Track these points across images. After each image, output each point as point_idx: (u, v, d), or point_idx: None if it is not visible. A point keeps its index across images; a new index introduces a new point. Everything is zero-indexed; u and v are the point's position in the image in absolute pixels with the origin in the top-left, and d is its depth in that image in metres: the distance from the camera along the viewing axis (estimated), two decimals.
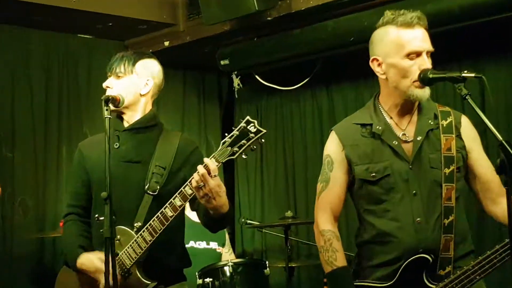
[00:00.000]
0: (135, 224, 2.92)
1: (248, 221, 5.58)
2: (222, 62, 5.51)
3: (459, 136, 2.76)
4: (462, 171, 2.76)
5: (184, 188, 2.81)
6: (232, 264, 4.72)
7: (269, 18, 4.89)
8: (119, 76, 3.06)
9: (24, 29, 5.33)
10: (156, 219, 2.84)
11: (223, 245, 5.28)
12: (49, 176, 5.45)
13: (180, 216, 2.96)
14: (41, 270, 5.34)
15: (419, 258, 2.66)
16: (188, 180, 2.79)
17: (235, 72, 5.64)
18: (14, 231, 5.21)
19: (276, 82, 5.73)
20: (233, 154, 2.72)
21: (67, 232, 3.17)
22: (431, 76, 2.62)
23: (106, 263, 2.56)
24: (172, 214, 2.82)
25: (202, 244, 5.11)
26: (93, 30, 5.57)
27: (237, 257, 5.55)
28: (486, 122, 2.39)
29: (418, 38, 2.67)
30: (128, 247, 2.90)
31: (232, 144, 2.72)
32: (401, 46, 2.67)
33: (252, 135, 2.71)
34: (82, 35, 5.70)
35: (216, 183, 2.72)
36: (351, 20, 4.77)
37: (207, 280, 4.60)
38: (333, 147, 2.85)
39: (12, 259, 5.20)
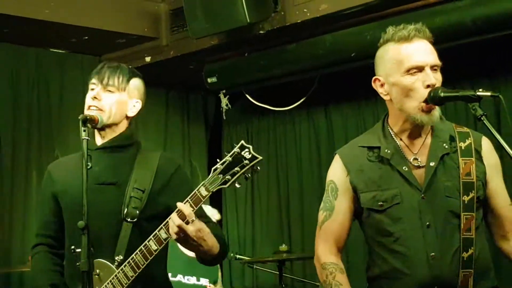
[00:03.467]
0: (116, 258, 2.85)
1: (238, 256, 5.53)
2: (209, 80, 5.52)
3: (479, 159, 2.72)
4: (482, 199, 2.71)
5: (158, 231, 2.75)
6: None
7: (261, 32, 4.88)
8: (109, 90, 2.97)
9: None
10: (139, 252, 2.78)
11: (214, 282, 5.18)
12: (16, 205, 5.40)
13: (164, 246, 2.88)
14: None
15: None
16: (163, 224, 2.73)
17: (223, 91, 5.65)
18: None
19: (269, 102, 5.74)
20: (225, 182, 2.65)
21: (36, 267, 3.08)
22: (442, 95, 2.57)
23: None
24: (156, 248, 2.75)
25: (191, 280, 5.03)
26: (66, 44, 5.57)
27: None
28: (503, 145, 2.38)
29: (417, 51, 2.64)
30: (108, 283, 2.83)
31: (224, 172, 2.65)
32: (400, 62, 2.65)
33: (246, 161, 2.63)
34: (54, 50, 5.69)
35: (195, 229, 2.66)
36: (352, 34, 4.78)
37: None
38: (337, 172, 2.81)
39: None
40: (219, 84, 5.52)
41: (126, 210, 2.90)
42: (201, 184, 2.68)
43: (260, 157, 2.66)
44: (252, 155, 2.64)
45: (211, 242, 2.76)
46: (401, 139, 2.75)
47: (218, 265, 5.15)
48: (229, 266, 6.26)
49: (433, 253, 2.63)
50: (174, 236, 2.66)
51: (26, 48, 5.50)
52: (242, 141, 2.69)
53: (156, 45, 5.50)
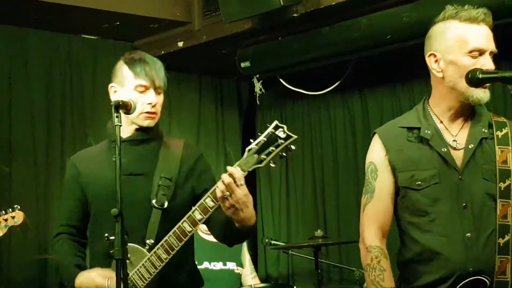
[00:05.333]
0: (148, 242, 2.92)
1: (273, 242, 5.54)
2: (242, 65, 5.49)
3: None
4: None
5: (204, 200, 2.80)
6: None
7: (295, 15, 4.84)
8: (159, 92, 3.06)
9: (22, 29, 5.33)
10: (172, 235, 2.84)
11: (241, 265, 5.23)
12: (52, 192, 5.43)
13: None
14: None
15: (475, 280, 2.64)
16: (209, 191, 2.79)
17: (257, 76, 5.61)
18: (12, 254, 5.20)
19: (303, 86, 5.71)
20: (260, 162, 2.73)
21: (60, 252, 3.14)
22: (480, 76, 2.60)
23: (118, 286, 2.54)
24: (191, 229, 2.83)
25: (217, 265, 5.06)
26: (98, 30, 5.57)
27: (260, 282, 5.49)
28: None
29: (484, 35, 2.69)
30: (141, 267, 2.89)
31: (259, 151, 2.73)
32: (464, 42, 2.68)
33: (281, 141, 2.72)
34: (87, 36, 5.70)
35: (244, 193, 2.73)
36: (387, 16, 4.72)
37: None
38: (376, 152, 2.87)
39: (10, 283, 5.18)
40: (252, 69, 5.50)
41: (155, 198, 2.98)
42: (236, 164, 2.75)
43: (295, 136, 2.74)
44: (287, 134, 2.73)
45: (252, 212, 2.81)
46: (441, 122, 2.79)
47: (243, 249, 5.26)
48: (264, 252, 6.28)
49: (469, 234, 2.67)
50: (220, 194, 2.72)
51: (58, 35, 5.50)
52: (276, 121, 2.77)
53: (188, 30, 5.50)
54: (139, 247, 2.91)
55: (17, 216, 4.07)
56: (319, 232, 5.02)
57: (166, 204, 2.97)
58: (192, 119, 6.31)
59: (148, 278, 2.87)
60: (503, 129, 2.78)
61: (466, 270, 2.64)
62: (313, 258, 5.01)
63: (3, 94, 5.27)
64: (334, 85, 5.56)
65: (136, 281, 2.89)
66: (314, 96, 5.74)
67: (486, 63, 2.66)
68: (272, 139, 2.73)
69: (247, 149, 2.75)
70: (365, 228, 2.83)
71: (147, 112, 3.01)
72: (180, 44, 5.56)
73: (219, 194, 2.72)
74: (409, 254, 2.80)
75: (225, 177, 2.71)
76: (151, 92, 3.02)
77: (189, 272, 3.11)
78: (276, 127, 2.74)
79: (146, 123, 3.03)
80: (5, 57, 5.28)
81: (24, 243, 5.21)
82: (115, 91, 3.09)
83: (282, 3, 4.51)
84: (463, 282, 2.64)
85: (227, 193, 2.71)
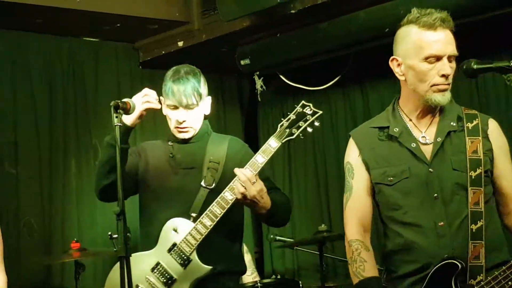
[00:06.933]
0: (192, 214, 3.25)
1: (278, 238, 5.56)
2: (242, 62, 5.52)
3: (486, 138, 2.83)
4: (490, 176, 2.83)
5: (233, 183, 3.14)
6: (261, 285, 4.74)
7: (292, 11, 4.86)
8: (191, 108, 3.35)
9: (24, 33, 5.36)
10: (215, 204, 3.17)
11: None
12: (55, 193, 5.47)
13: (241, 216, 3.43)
14: None
15: (447, 264, 2.72)
16: (229, 187, 3.15)
17: (257, 73, 5.63)
18: (20, 255, 5.23)
19: (303, 82, 5.73)
20: (292, 134, 3.15)
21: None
22: (475, 67, 2.64)
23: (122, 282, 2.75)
24: (232, 197, 3.14)
25: None
26: (99, 32, 5.61)
27: (266, 277, 5.51)
28: None
29: (439, 41, 2.74)
30: (187, 235, 3.22)
31: (289, 126, 3.15)
32: (420, 48, 2.75)
33: (309, 116, 3.16)
34: (88, 38, 5.73)
35: (257, 189, 3.10)
36: (385, 9, 4.73)
37: None
38: (351, 153, 2.99)
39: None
40: (252, 66, 5.52)
41: (204, 179, 3.32)
42: (272, 136, 3.16)
43: (321, 111, 3.18)
44: (314, 110, 3.17)
45: (266, 199, 3.15)
46: (410, 119, 2.88)
47: (243, 252, 5.29)
48: (269, 248, 6.30)
49: (441, 222, 2.75)
50: (240, 196, 3.09)
51: (60, 38, 5.53)
52: (303, 101, 3.20)
53: (188, 30, 5.51)
54: (184, 218, 3.26)
55: None
56: (323, 227, 5.05)
57: (213, 185, 3.31)
58: None
59: (195, 244, 3.20)
60: (474, 121, 2.85)
61: (441, 257, 2.72)
62: (318, 253, 5.03)
63: (8, 100, 5.30)
64: (334, 80, 5.58)
65: (183, 248, 3.22)
66: (315, 91, 5.75)
67: (443, 67, 2.72)
68: (301, 115, 3.15)
69: (279, 125, 3.15)
70: (347, 225, 2.94)
71: (177, 127, 3.35)
72: (180, 43, 5.59)
73: (239, 196, 3.09)
74: (390, 246, 2.89)
75: (238, 185, 3.09)
76: (180, 110, 3.33)
77: (235, 257, 3.43)
78: (303, 106, 3.17)
79: (180, 136, 3.39)
80: (8, 62, 5.31)
81: (30, 245, 5.27)
82: (163, 103, 3.40)
83: (279, 0, 4.53)
84: (438, 265, 2.72)
85: (246, 193, 3.08)
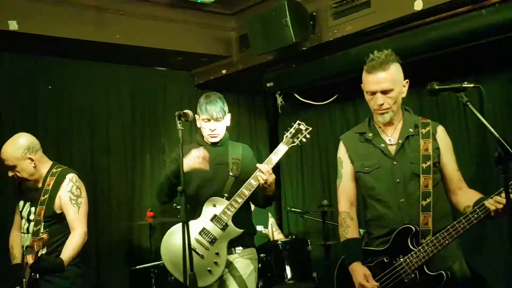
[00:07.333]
0: (225, 194, 3.39)
1: (292, 209, 5.53)
2: (268, 84, 5.47)
3: (435, 140, 2.87)
4: (438, 166, 2.87)
5: (256, 174, 3.26)
6: (281, 242, 4.74)
7: (304, 48, 4.84)
8: (218, 120, 3.45)
9: (114, 65, 5.41)
10: (243, 188, 3.28)
11: (267, 227, 5.32)
12: (136, 178, 5.51)
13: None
14: (132, 250, 5.39)
15: (405, 228, 2.79)
16: (253, 176, 3.26)
17: (278, 92, 5.58)
18: (111, 220, 5.29)
19: (311, 98, 5.65)
20: (294, 142, 3.27)
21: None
22: (436, 87, 2.63)
23: (184, 243, 2.85)
24: (255, 183, 3.25)
25: None
26: (167, 64, 5.63)
27: (284, 237, 5.50)
28: (484, 122, 2.44)
29: (373, 82, 2.81)
30: (225, 208, 3.33)
31: (292, 137, 3.28)
32: (364, 85, 2.89)
33: (304, 130, 3.28)
34: (159, 68, 5.75)
35: (273, 178, 3.23)
36: (370, 47, 4.53)
37: (262, 255, 4.61)
38: (341, 151, 3.07)
39: (111, 242, 5.29)
40: (275, 87, 5.45)
41: (231, 171, 3.44)
42: (281, 142, 3.27)
43: (311, 127, 3.31)
44: (306, 127, 3.30)
45: (274, 187, 3.32)
46: (380, 127, 2.95)
47: (269, 216, 5.37)
48: (286, 216, 6.26)
49: (402, 200, 2.82)
50: (262, 181, 3.21)
51: (141, 68, 5.56)
52: (298, 120, 3.31)
53: (229, 62, 5.51)
54: (220, 198, 3.38)
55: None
56: (325, 202, 5.02)
57: (238, 174, 3.43)
58: (233, 126, 6.26)
59: (231, 214, 3.31)
60: (426, 128, 2.89)
61: (402, 224, 2.80)
62: (321, 220, 5.00)
63: (103, 113, 5.35)
64: (333, 97, 5.54)
65: (222, 217, 3.32)
66: (320, 105, 5.71)
67: (377, 100, 2.81)
68: (298, 130, 3.28)
69: (284, 136, 3.28)
70: (339, 201, 3.03)
71: (209, 134, 3.46)
72: (224, 71, 5.59)
73: (261, 181, 3.21)
74: (369, 216, 2.97)
75: (260, 175, 3.21)
76: (212, 122, 3.44)
77: (251, 224, 3.56)
78: (299, 124, 3.30)
79: (211, 140, 3.50)
80: (103, 88, 5.37)
81: (119, 214, 5.28)
82: (198, 119, 3.49)
83: (294, 40, 4.48)
84: (399, 228, 2.78)
85: (266, 178, 3.21)
